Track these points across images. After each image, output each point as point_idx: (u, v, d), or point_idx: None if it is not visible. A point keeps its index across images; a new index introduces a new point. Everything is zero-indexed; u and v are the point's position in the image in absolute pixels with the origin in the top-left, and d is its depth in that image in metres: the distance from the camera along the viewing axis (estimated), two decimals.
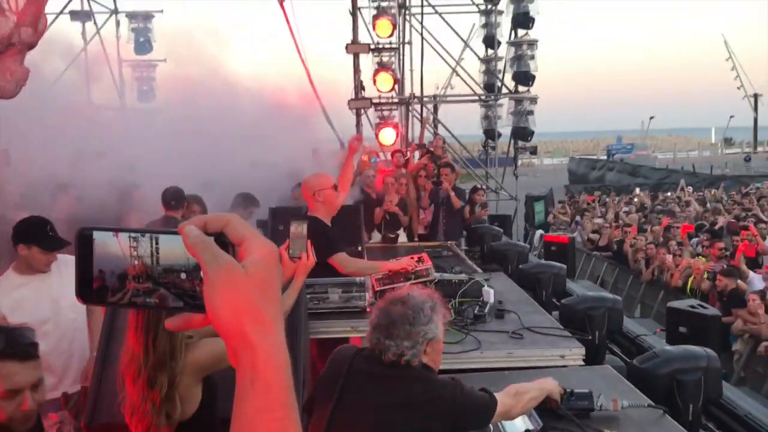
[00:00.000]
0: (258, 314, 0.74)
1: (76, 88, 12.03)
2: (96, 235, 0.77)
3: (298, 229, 2.89)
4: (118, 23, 16.35)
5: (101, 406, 2.79)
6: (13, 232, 3.82)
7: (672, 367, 3.63)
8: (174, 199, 6.27)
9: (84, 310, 3.94)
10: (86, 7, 15.93)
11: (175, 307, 0.78)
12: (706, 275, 9.66)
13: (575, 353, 3.97)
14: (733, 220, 13.61)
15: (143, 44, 15.65)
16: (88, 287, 0.78)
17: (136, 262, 0.77)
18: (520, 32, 14.91)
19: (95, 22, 16.18)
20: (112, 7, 16.34)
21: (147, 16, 15.70)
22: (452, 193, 8.96)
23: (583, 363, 3.97)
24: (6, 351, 2.04)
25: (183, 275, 0.77)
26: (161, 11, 15.70)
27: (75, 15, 15.46)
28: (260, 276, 0.75)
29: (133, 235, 0.77)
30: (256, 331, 0.73)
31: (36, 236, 3.78)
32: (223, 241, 0.77)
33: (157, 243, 0.77)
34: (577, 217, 17.52)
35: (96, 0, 16.10)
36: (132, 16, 15.95)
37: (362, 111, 13.70)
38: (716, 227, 13.05)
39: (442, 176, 9.19)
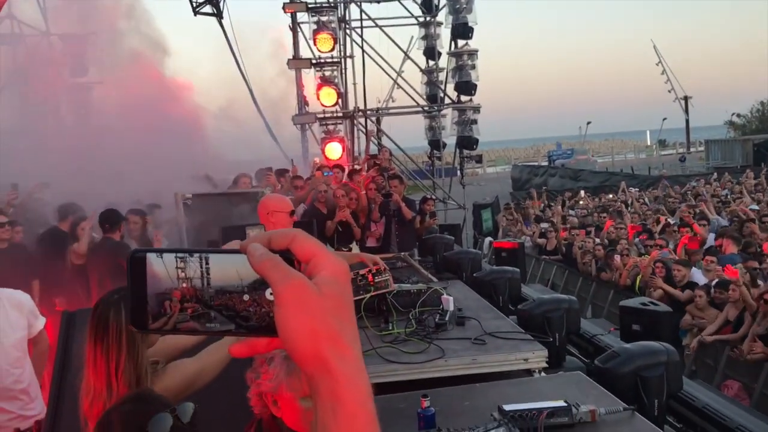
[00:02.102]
0: (336, 337, 0.68)
1: None
2: (149, 257, 0.72)
3: (254, 234, 2.83)
4: (51, 46, 15.89)
5: None
6: None
7: (635, 364, 3.67)
8: (108, 221, 6.13)
9: (25, 347, 3.78)
10: (16, 30, 15.47)
11: (226, 330, 0.72)
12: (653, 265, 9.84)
13: (538, 356, 3.98)
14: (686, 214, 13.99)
15: (79, 67, 15.22)
16: (141, 313, 0.72)
17: (184, 285, 0.72)
18: (460, 43, 15.10)
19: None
20: (44, 29, 15.90)
21: (82, 39, 15.28)
22: (403, 204, 8.96)
23: (546, 365, 3.99)
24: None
25: (237, 296, 0.72)
26: (95, 33, 15.32)
27: (3, 39, 14.97)
28: (335, 295, 0.69)
29: (180, 255, 0.72)
30: (335, 355, 0.67)
31: None
32: (288, 258, 0.71)
33: (207, 263, 0.72)
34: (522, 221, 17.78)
35: (26, 23, 15.66)
36: (66, 38, 15.52)
37: (307, 126, 13.66)
38: (658, 226, 13.40)
39: (392, 188, 9.18)
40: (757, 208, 14.35)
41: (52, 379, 2.98)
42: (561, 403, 2.91)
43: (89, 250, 6.26)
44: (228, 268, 0.72)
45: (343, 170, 10.42)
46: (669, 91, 58.10)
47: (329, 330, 0.67)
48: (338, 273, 0.71)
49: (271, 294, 0.70)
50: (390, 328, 4.39)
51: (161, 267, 0.72)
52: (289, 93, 13.76)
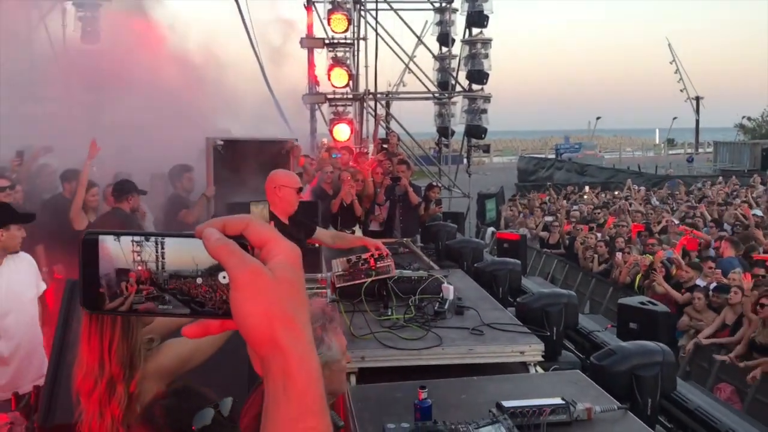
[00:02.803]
0: (289, 319, 0.71)
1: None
2: (101, 239, 0.73)
3: (259, 209, 2.87)
4: (64, 11, 15.86)
5: (56, 405, 2.69)
6: None
7: (630, 363, 3.70)
8: (115, 191, 6.17)
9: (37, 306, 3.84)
10: None
11: (180, 313, 0.74)
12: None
13: (534, 349, 4.00)
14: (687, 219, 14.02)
15: (90, 34, 15.18)
16: (93, 294, 0.74)
17: (139, 267, 0.73)
18: (474, 31, 15.01)
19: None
20: None
21: (94, 5, 15.24)
22: (410, 189, 8.98)
23: (542, 359, 4.02)
24: None
25: (191, 280, 0.73)
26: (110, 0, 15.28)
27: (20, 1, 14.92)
28: (288, 280, 0.72)
29: (136, 239, 0.73)
30: (287, 336, 0.70)
31: (11, 216, 3.71)
32: (242, 243, 0.73)
33: (162, 247, 0.73)
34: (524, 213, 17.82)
35: None
36: (79, 4, 15.48)
37: (317, 106, 13.62)
38: (660, 226, 13.42)
39: (399, 173, 9.19)
40: (761, 213, 14.33)
41: (52, 345, 3.01)
42: (558, 401, 2.93)
43: (96, 221, 6.27)
44: (183, 253, 0.73)
45: (351, 152, 10.42)
46: (681, 91, 57.78)
47: (283, 313, 0.70)
48: (292, 258, 0.73)
49: (224, 278, 0.72)
50: (389, 313, 4.42)
51: (117, 249, 0.73)
52: (300, 72, 13.72)
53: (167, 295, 0.73)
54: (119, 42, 12.15)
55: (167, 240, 0.74)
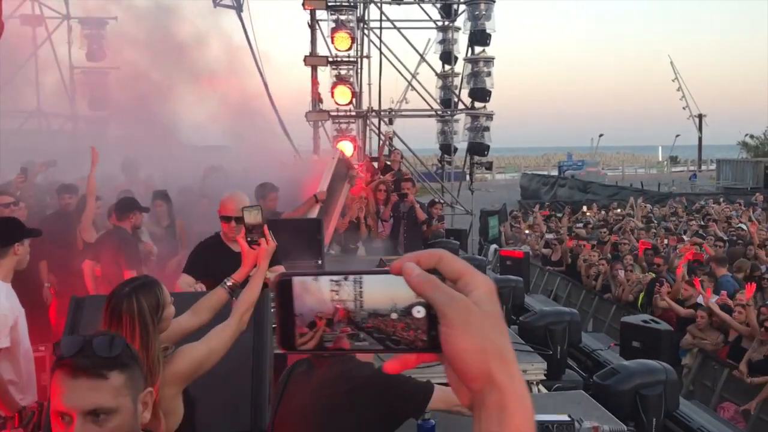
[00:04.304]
0: (501, 354, 0.71)
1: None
2: (295, 281, 0.75)
3: (253, 216, 2.92)
4: (70, 29, 16.00)
5: None
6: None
7: (634, 382, 3.69)
8: (116, 210, 6.10)
9: None
10: (37, 12, 15.56)
11: (374, 349, 0.75)
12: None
13: (537, 368, 4.00)
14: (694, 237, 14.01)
15: (96, 51, 15.30)
16: (289, 334, 0.76)
17: (337, 306, 0.74)
18: (477, 49, 15.08)
19: (46, 28, 15.82)
20: (64, 11, 16.00)
21: (101, 23, 15.36)
22: (417, 205, 9.05)
23: (544, 377, 4.01)
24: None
25: (388, 318, 0.74)
26: (115, 18, 15.41)
27: (25, 19, 15.07)
28: (493, 313, 0.72)
29: (334, 279, 0.75)
30: (502, 371, 0.70)
31: (26, 231, 3.75)
32: (438, 277, 0.74)
33: (360, 286, 0.74)
34: (527, 231, 17.80)
35: (47, 5, 15.77)
36: (85, 22, 15.61)
37: (320, 123, 13.68)
38: (664, 242, 13.42)
39: (405, 190, 9.26)
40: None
41: None
42: (564, 418, 2.93)
43: (97, 240, 6.25)
44: (380, 290, 0.74)
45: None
46: (684, 108, 57.98)
47: (495, 348, 0.71)
48: (491, 291, 0.73)
49: (419, 312, 0.73)
50: None
51: (315, 290, 0.74)
52: (303, 89, 13.79)
53: (363, 333, 0.74)
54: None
55: (364, 278, 0.74)
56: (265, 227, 2.94)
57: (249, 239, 2.92)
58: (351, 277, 0.74)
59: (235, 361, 3.24)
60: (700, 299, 9.23)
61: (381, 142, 13.12)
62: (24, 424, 3.51)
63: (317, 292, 0.74)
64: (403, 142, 15.05)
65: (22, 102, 13.75)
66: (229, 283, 2.96)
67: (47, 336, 5.50)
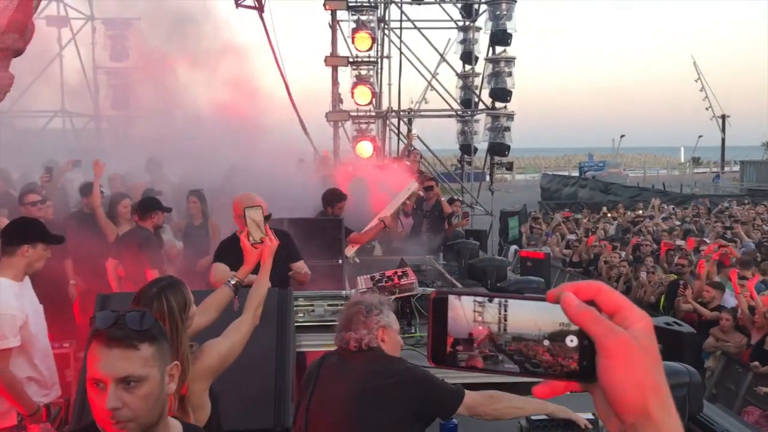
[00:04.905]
0: (659, 390, 0.73)
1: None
2: (450, 298, 0.77)
3: (253, 214, 2.96)
4: (94, 29, 16.20)
5: (88, 416, 2.72)
6: (8, 234, 3.78)
7: None
8: (138, 210, 6.14)
9: None
10: (62, 13, 15.76)
11: (509, 371, 0.76)
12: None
13: None
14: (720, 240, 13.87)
15: (120, 52, 15.47)
16: (441, 349, 0.78)
17: (480, 327, 0.76)
18: (498, 49, 15.03)
19: (71, 28, 16.02)
20: (89, 13, 16.19)
21: (125, 24, 15.52)
22: (443, 199, 9.13)
23: None
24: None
25: (533, 343, 0.75)
26: (139, 19, 15.56)
27: (51, 20, 15.26)
28: (652, 349, 0.74)
29: (479, 300, 0.76)
30: (659, 407, 0.72)
31: (40, 235, 3.78)
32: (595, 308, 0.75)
33: (505, 310, 0.76)
34: (547, 231, 17.71)
35: (72, 6, 15.97)
36: (109, 23, 15.78)
37: (340, 123, 13.71)
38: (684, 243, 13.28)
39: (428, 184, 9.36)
40: None
41: (84, 358, 3.05)
42: (588, 416, 2.91)
43: (118, 239, 6.31)
44: (525, 316, 0.75)
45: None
46: (707, 109, 57.33)
47: (654, 383, 0.72)
48: (648, 327, 0.75)
49: (572, 341, 0.74)
50: (413, 331, 4.42)
51: (461, 309, 0.76)
52: (323, 89, 13.83)
53: (502, 354, 0.75)
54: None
55: (510, 302, 0.76)
56: (267, 226, 3.01)
57: (251, 238, 2.98)
58: (495, 300, 0.76)
59: (259, 359, 3.28)
60: (727, 300, 9.12)
61: (405, 143, 13.14)
62: (51, 419, 3.56)
63: (462, 310, 0.76)
64: (423, 143, 15.06)
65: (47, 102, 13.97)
66: (233, 282, 3.04)
67: (72, 333, 5.56)
